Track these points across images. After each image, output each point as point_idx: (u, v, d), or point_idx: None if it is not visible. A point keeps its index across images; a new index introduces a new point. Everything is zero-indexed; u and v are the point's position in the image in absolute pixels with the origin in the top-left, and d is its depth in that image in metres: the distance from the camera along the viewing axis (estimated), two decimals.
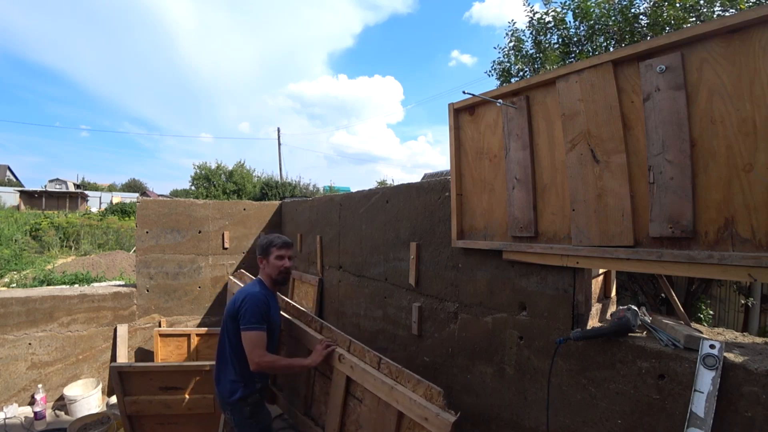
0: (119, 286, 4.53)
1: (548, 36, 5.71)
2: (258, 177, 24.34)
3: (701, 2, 4.39)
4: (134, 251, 5.00)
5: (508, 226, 1.95)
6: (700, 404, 1.31)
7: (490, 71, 6.48)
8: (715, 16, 4.34)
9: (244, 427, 2.19)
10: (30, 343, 3.65)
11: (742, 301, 5.21)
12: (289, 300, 2.89)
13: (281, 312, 2.65)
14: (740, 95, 1.23)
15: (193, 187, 23.48)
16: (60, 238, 15.79)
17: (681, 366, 1.41)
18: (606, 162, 1.55)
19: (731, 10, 4.11)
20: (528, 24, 5.86)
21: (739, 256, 1.23)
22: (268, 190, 20.42)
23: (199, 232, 4.52)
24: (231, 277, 3.48)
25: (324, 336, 2.38)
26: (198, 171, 23.34)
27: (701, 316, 4.67)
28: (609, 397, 1.61)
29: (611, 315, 1.87)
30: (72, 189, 36.37)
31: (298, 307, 2.76)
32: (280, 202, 5.10)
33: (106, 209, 25.00)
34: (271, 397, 3.04)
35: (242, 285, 3.23)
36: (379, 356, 2.05)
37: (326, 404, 2.38)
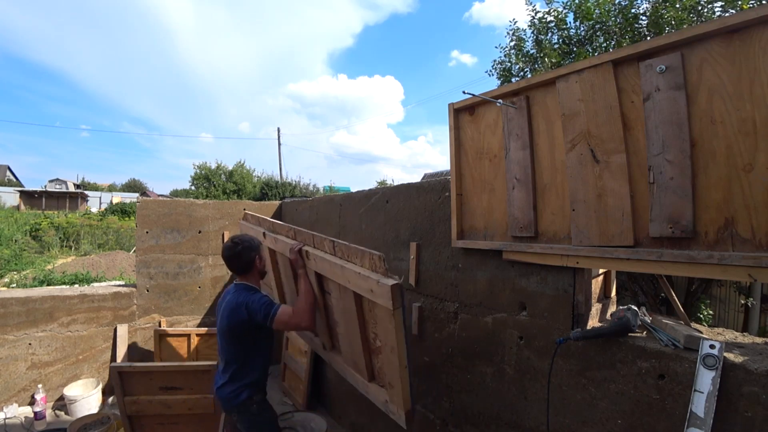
0: (119, 286, 4.53)
1: (549, 36, 5.72)
2: (258, 177, 24.30)
3: (701, 2, 4.39)
4: (134, 251, 5.00)
5: (508, 226, 1.95)
6: (700, 404, 1.31)
7: (490, 71, 6.50)
8: (715, 16, 4.34)
9: (254, 425, 2.19)
10: (30, 343, 3.65)
11: (742, 301, 5.21)
12: (266, 218, 2.90)
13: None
14: (740, 95, 1.23)
15: (193, 187, 23.44)
16: (60, 238, 15.79)
17: (681, 366, 1.41)
18: (606, 162, 1.55)
19: (731, 11, 4.12)
20: (529, 23, 5.87)
21: (739, 256, 1.23)
22: (268, 190, 20.40)
23: (199, 232, 4.52)
24: (242, 222, 3.41)
25: (298, 240, 2.37)
26: (198, 171, 23.32)
27: (701, 316, 4.67)
28: (609, 397, 1.61)
29: (611, 315, 1.87)
30: (72, 189, 36.37)
31: (276, 222, 2.75)
32: (280, 202, 5.10)
33: (106, 209, 24.98)
34: None
35: (252, 227, 3.11)
36: (333, 240, 1.97)
37: None
